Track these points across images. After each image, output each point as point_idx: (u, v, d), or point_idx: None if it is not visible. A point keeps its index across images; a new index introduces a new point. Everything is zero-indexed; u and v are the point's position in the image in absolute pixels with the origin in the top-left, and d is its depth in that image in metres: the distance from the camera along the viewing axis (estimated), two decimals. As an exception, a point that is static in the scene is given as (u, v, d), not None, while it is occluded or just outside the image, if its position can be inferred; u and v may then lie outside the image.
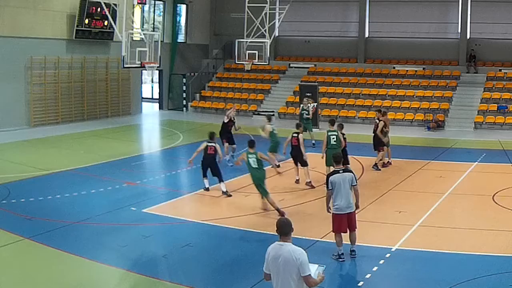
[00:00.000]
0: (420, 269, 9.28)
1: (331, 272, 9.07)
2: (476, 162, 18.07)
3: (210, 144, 14.30)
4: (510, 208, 12.63)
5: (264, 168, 12.65)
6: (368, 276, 8.98)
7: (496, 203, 13.20)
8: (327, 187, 9.65)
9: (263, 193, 12.32)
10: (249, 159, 12.54)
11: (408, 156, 17.81)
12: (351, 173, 9.76)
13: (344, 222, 9.58)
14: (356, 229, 9.74)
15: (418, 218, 11.99)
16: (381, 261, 9.55)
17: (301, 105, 22.19)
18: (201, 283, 8.96)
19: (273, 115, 28.20)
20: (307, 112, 21.62)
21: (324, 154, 14.83)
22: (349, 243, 9.76)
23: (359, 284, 8.71)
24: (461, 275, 8.83)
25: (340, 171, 9.66)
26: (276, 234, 6.00)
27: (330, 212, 9.74)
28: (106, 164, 17.47)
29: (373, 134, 17.40)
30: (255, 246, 10.16)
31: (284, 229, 5.95)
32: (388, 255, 9.84)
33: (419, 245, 10.38)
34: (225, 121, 18.02)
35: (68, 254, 9.81)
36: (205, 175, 14.42)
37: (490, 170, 17.19)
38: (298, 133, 15.28)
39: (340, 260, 9.52)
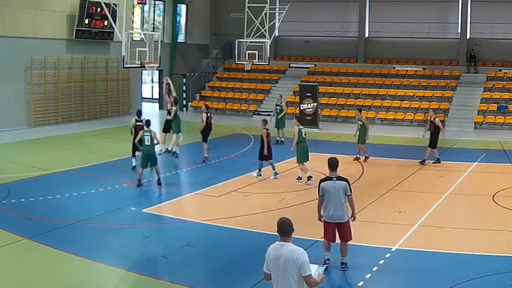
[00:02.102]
0: (420, 269, 9.27)
1: (331, 272, 9.08)
2: (476, 162, 18.07)
3: (138, 122, 16.05)
4: (510, 208, 12.64)
5: (154, 144, 14.62)
6: (368, 276, 8.97)
7: (496, 203, 13.20)
8: (318, 193, 9.19)
9: (146, 165, 14.47)
10: (145, 136, 14.48)
11: (408, 156, 17.81)
12: (345, 182, 9.10)
13: (332, 231, 9.18)
14: (349, 241, 9.23)
15: (418, 218, 11.99)
16: (381, 261, 9.54)
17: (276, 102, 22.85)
18: (201, 283, 8.97)
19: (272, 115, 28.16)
20: (280, 108, 22.08)
21: (295, 147, 15.19)
22: (341, 255, 9.25)
23: (359, 284, 8.71)
24: (461, 275, 8.83)
25: (333, 178, 9.07)
26: (277, 234, 6.00)
27: (321, 221, 9.30)
28: (106, 164, 17.46)
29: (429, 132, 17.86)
30: (255, 246, 10.13)
31: (285, 229, 5.94)
32: (388, 255, 9.84)
33: (419, 245, 10.38)
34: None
35: (68, 254, 9.80)
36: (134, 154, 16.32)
37: (490, 170, 17.19)
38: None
39: (326, 264, 9.11)
